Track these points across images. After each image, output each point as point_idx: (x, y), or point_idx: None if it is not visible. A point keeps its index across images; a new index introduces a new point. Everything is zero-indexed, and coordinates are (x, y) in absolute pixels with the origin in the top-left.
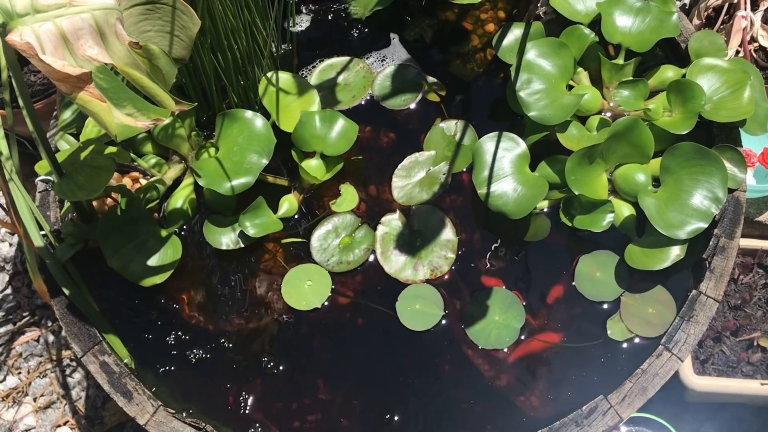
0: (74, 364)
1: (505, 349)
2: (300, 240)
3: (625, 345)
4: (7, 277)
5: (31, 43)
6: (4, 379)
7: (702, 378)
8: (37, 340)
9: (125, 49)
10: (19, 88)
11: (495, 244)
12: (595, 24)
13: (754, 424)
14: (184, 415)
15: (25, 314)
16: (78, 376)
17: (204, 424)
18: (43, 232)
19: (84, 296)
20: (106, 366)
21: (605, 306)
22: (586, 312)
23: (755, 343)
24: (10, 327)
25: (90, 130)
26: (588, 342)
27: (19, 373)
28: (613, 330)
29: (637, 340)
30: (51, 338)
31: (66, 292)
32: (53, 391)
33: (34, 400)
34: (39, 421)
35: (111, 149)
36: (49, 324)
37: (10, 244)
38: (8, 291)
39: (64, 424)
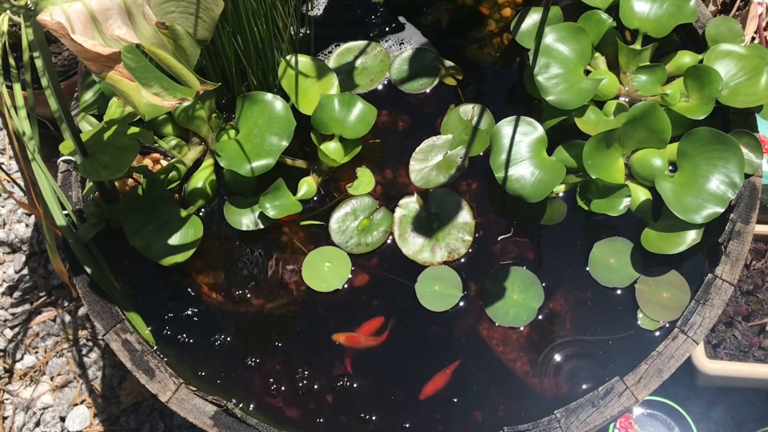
0: (90, 343)
1: (522, 328)
2: (318, 222)
3: (639, 329)
4: (23, 258)
5: (61, 22)
6: (22, 358)
7: (714, 362)
8: (54, 320)
9: (152, 29)
10: (46, 67)
11: (511, 227)
12: (613, 9)
13: (764, 408)
14: (205, 393)
15: (41, 294)
16: (94, 355)
17: (225, 402)
18: (65, 212)
19: (106, 275)
20: (128, 344)
21: (619, 292)
22: (599, 297)
23: (767, 328)
24: (27, 307)
25: (113, 110)
26: (603, 327)
27: (36, 352)
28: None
29: (652, 324)
30: (67, 318)
31: (88, 270)
32: (70, 371)
33: (51, 379)
34: (56, 399)
35: (133, 130)
36: (66, 304)
37: (27, 225)
38: (25, 271)
39: (81, 402)
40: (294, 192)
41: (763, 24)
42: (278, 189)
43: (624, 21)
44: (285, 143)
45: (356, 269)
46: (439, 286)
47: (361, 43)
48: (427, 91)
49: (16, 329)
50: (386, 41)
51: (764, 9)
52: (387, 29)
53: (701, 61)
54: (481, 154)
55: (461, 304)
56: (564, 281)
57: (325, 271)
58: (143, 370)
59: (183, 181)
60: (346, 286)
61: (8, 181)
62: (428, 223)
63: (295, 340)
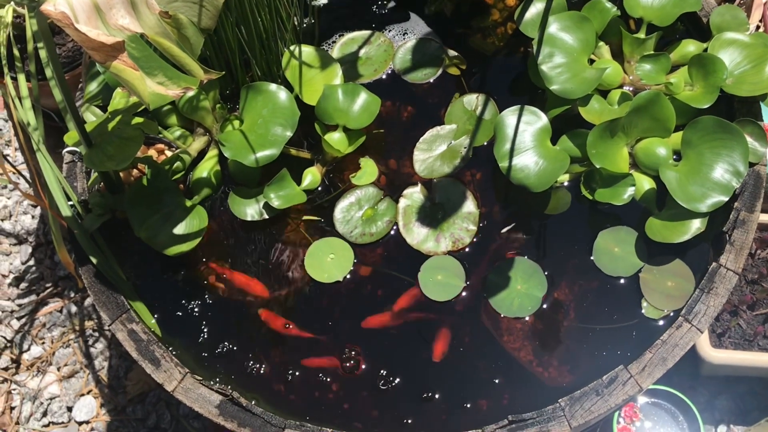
0: (96, 334)
1: (527, 318)
2: (316, 218)
3: (644, 318)
4: (30, 249)
5: (65, 12)
6: (29, 349)
7: (719, 351)
8: (60, 311)
9: (156, 19)
10: (50, 57)
11: (516, 217)
12: None
13: (767, 397)
14: (211, 382)
15: (48, 285)
16: (100, 346)
17: (231, 391)
18: (71, 203)
19: (111, 265)
20: (134, 334)
21: (623, 281)
22: (603, 286)
23: None
24: (33, 298)
25: (118, 101)
26: (608, 315)
27: (43, 343)
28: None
29: (656, 313)
30: (74, 309)
31: (94, 261)
32: (76, 361)
33: (58, 369)
34: (63, 389)
35: (138, 120)
36: (72, 295)
37: (33, 217)
38: (31, 262)
39: (88, 393)
40: (298, 182)
41: None
42: (283, 179)
43: (628, 10)
44: (289, 133)
45: (358, 262)
46: (441, 275)
47: (365, 32)
48: (431, 80)
49: (23, 320)
50: (390, 31)
51: None
52: (390, 19)
53: (706, 50)
54: (485, 143)
55: (464, 294)
56: (568, 270)
57: (328, 263)
58: (149, 359)
59: (188, 171)
60: (347, 277)
61: (14, 173)
62: (433, 213)
63: (300, 329)
